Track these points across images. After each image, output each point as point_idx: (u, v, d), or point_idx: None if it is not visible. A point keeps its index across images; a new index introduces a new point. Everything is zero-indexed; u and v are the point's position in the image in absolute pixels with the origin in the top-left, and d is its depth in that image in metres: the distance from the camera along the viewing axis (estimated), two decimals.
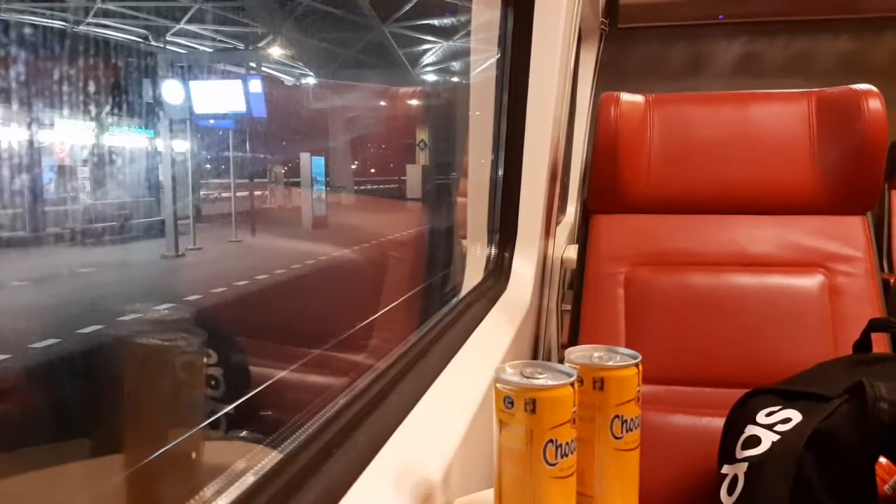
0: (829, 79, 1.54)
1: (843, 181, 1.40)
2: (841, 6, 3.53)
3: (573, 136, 3.31)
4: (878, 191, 1.46)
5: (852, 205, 1.42)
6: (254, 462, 0.50)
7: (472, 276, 1.38)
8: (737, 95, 1.52)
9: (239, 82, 9.07)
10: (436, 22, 12.44)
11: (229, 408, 0.81)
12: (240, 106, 8.76)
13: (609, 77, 3.62)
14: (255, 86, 9.08)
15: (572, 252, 1.64)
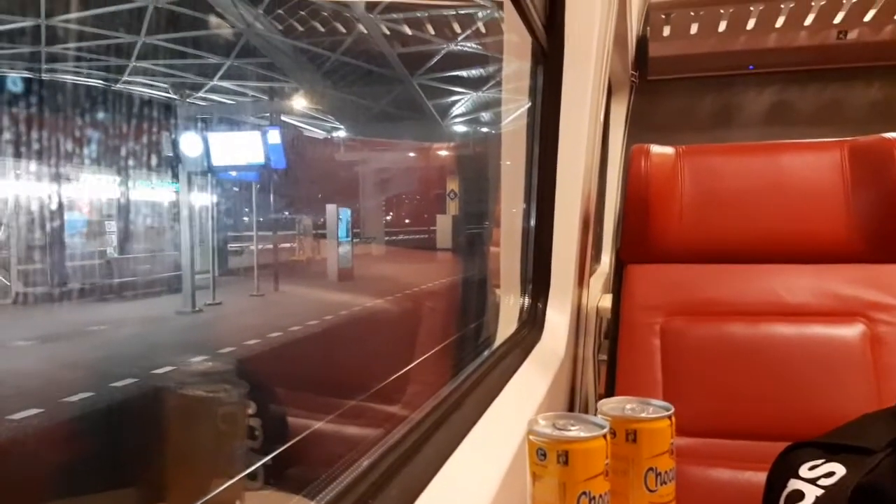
0: (861, 127, 1.54)
1: (880, 229, 1.38)
2: (872, 54, 3.53)
3: (605, 187, 3.33)
4: None
5: (890, 253, 1.40)
6: None
7: (506, 325, 1.39)
8: (767, 146, 1.53)
9: (257, 133, 8.88)
10: (464, 73, 12.49)
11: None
12: (258, 157, 8.57)
13: (640, 128, 3.65)
14: (274, 136, 8.87)
15: (607, 301, 1.64)
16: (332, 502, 0.53)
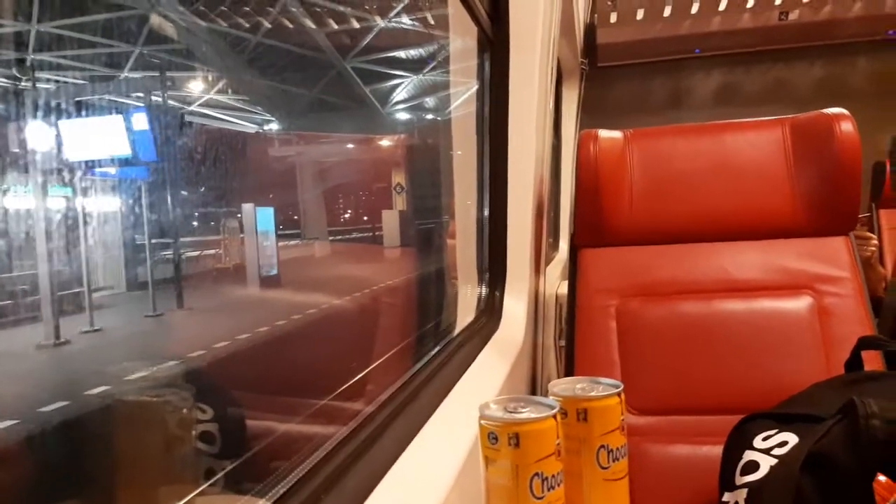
0: (806, 105, 1.58)
1: (823, 203, 1.42)
2: (813, 34, 3.64)
3: (561, 175, 3.36)
4: (858, 211, 1.48)
5: (834, 226, 1.44)
6: None
7: (465, 316, 1.39)
8: (712, 126, 1.56)
9: (119, 119, 6.42)
10: (403, 54, 11.26)
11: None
12: (122, 148, 6.34)
13: (592, 115, 3.70)
14: (140, 121, 6.41)
15: (565, 288, 1.66)
16: (283, 498, 0.52)
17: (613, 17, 3.52)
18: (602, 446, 0.59)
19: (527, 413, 0.54)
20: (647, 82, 3.96)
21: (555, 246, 3.27)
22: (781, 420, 1.03)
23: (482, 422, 0.54)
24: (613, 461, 0.59)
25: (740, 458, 1.01)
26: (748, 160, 1.47)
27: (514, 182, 1.40)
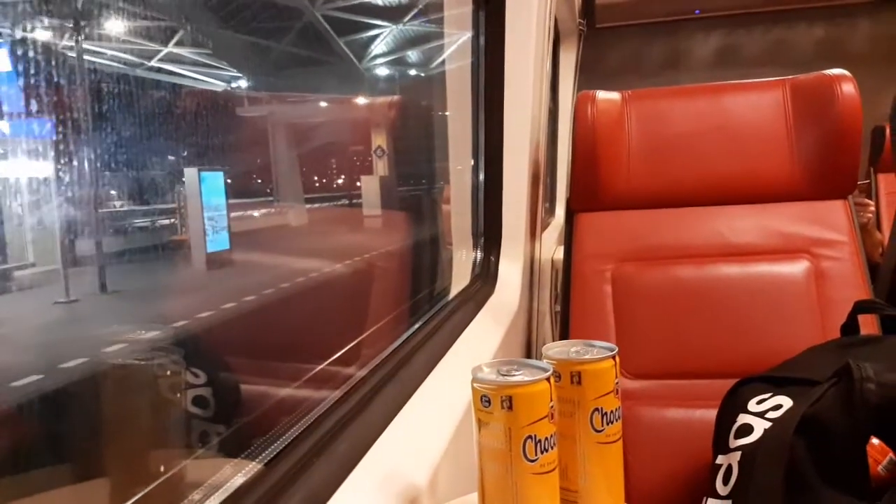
0: (806, 67, 1.55)
1: (822, 166, 1.41)
2: None
3: (558, 139, 3.32)
4: (857, 174, 1.47)
5: (832, 189, 1.42)
6: (231, 474, 0.49)
7: (459, 281, 1.38)
8: (712, 87, 1.53)
9: None
10: (379, 0, 10.14)
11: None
12: None
13: (590, 77, 3.64)
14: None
15: (561, 253, 1.65)
16: (273, 462, 0.52)
17: None
18: (596, 409, 0.58)
19: (520, 376, 0.54)
20: (646, 44, 3.90)
21: (551, 211, 3.25)
22: (776, 383, 1.03)
23: (475, 385, 0.53)
24: (607, 424, 0.59)
25: (734, 422, 1.01)
26: (747, 122, 1.45)
27: (510, 146, 1.38)
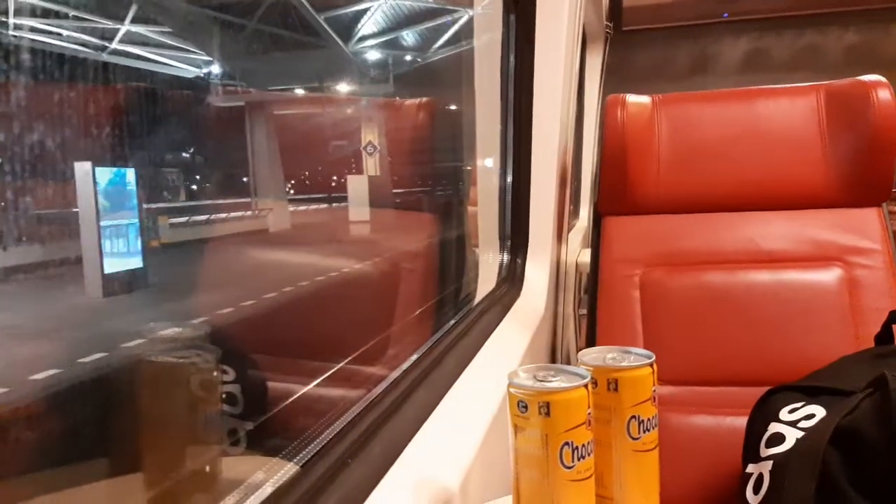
0: (838, 72, 1.53)
1: (856, 173, 1.38)
2: None
3: (582, 140, 3.31)
4: (892, 182, 1.45)
5: (867, 196, 1.40)
6: (270, 475, 0.50)
7: (486, 283, 1.38)
8: (743, 92, 1.51)
9: None
10: None
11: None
12: None
13: (616, 80, 3.62)
14: None
15: (586, 256, 1.64)
16: (311, 463, 0.52)
17: None
18: (633, 416, 0.58)
19: (557, 382, 0.53)
20: (673, 47, 3.86)
21: (575, 213, 3.24)
22: (808, 393, 1.01)
23: (511, 390, 0.53)
24: (644, 432, 0.58)
25: (766, 430, 1.00)
26: (780, 127, 1.43)
27: (539, 148, 1.38)
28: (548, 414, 0.51)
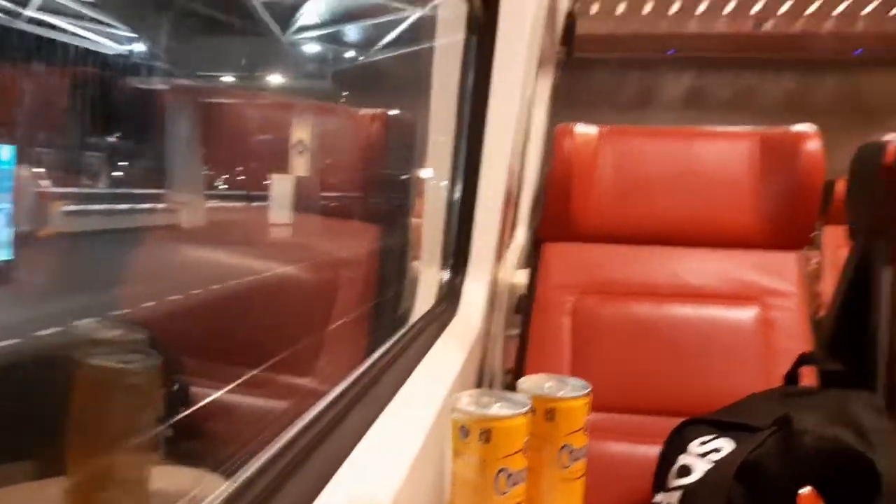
0: (773, 114, 1.62)
1: (781, 218, 1.47)
2: (784, 46, 3.73)
3: (526, 159, 3.36)
4: (813, 228, 1.54)
5: (789, 241, 1.49)
6: (203, 491, 0.50)
7: (425, 299, 1.39)
8: (685, 131, 1.58)
9: None
10: None
11: None
12: None
13: (563, 105, 3.71)
14: None
15: (521, 276, 1.67)
16: (245, 484, 0.52)
17: (595, 9, 3.53)
18: (565, 445, 0.61)
19: (499, 409, 0.55)
20: (620, 77, 4.00)
21: (512, 232, 3.28)
22: (719, 426, 1.07)
23: (454, 415, 0.55)
24: (574, 461, 0.61)
25: (676, 461, 1.05)
26: (716, 169, 1.51)
27: (488, 168, 1.40)
28: (488, 440, 0.53)
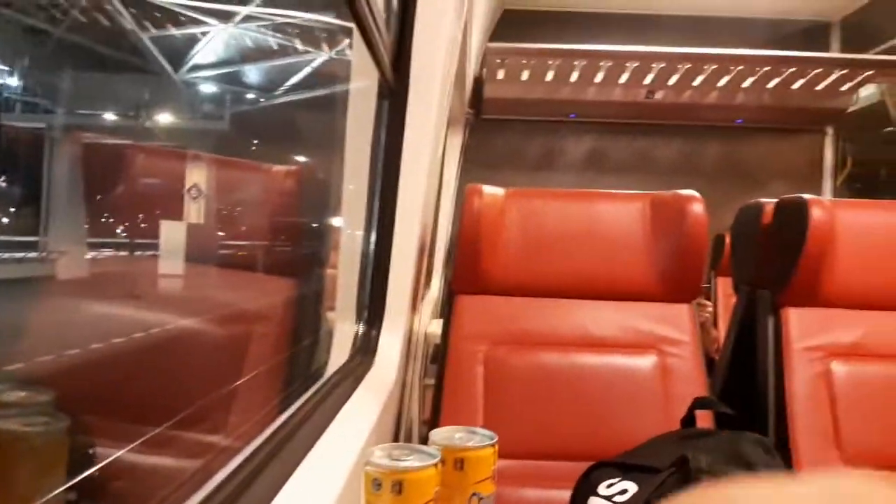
0: (663, 176, 1.76)
1: (672, 273, 1.58)
2: (675, 114, 4.05)
3: (438, 215, 3.44)
4: (701, 282, 1.66)
5: (680, 293, 1.60)
6: None
7: (340, 351, 1.40)
8: (584, 194, 1.69)
9: None
10: None
11: None
12: None
13: (473, 163, 3.88)
14: None
15: (436, 327, 1.71)
16: None
17: (501, 74, 3.71)
18: (474, 494, 0.63)
19: (410, 461, 0.58)
20: (526, 138, 4.20)
21: (427, 283, 3.33)
22: (623, 469, 1.13)
23: (367, 468, 0.57)
24: None
25: (587, 503, 1.09)
26: (613, 228, 1.61)
27: (402, 223, 1.44)
28: (399, 492, 0.55)
